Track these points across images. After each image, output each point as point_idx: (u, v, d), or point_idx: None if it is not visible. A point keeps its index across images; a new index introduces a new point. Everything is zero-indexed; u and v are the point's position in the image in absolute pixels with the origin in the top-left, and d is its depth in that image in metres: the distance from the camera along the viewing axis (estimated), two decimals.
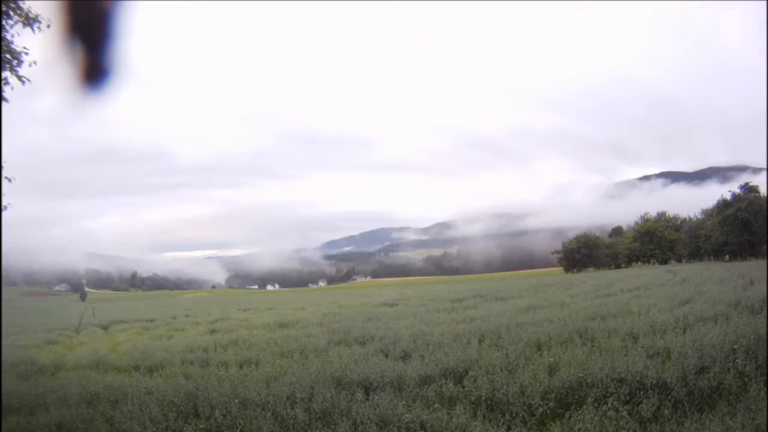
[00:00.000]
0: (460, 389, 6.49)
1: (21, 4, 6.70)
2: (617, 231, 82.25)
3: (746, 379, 5.69)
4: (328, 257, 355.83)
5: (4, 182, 7.21)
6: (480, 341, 9.51)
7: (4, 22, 6.60)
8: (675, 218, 69.02)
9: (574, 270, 69.60)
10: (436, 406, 5.88)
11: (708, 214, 63.00)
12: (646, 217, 70.33)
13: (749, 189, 54.11)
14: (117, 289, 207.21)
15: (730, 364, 6.07)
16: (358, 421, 5.51)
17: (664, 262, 59.84)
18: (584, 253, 70.83)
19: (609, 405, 5.26)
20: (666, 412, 5.15)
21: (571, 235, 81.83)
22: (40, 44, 6.56)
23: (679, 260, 60.99)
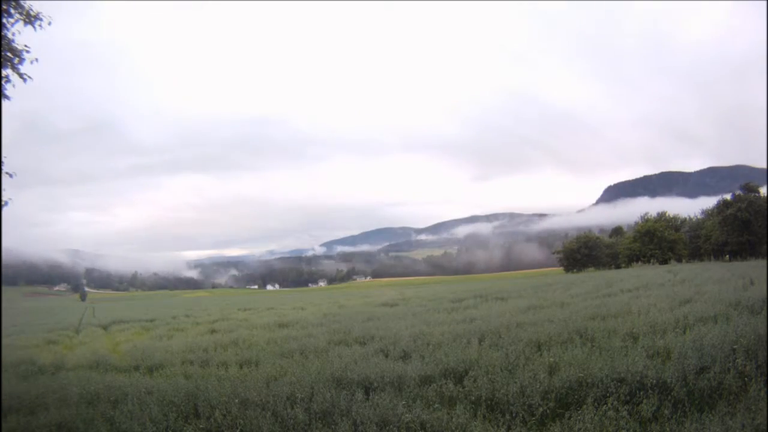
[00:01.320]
0: (460, 389, 6.48)
1: (22, 2, 6.72)
2: (617, 231, 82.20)
3: (746, 379, 5.69)
4: (328, 257, 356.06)
5: (5, 178, 7.22)
6: (480, 341, 9.50)
7: (5, 20, 6.63)
8: (675, 218, 68.93)
9: (575, 270, 69.61)
10: (436, 406, 5.88)
11: (708, 214, 62.98)
12: (646, 217, 70.30)
13: (749, 189, 54.08)
14: (117, 289, 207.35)
15: (730, 364, 6.07)
16: (358, 421, 5.51)
17: (664, 262, 59.77)
18: (584, 253, 70.86)
19: (609, 405, 5.25)
20: (666, 412, 5.15)
21: (572, 235, 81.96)
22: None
23: (679, 260, 60.91)
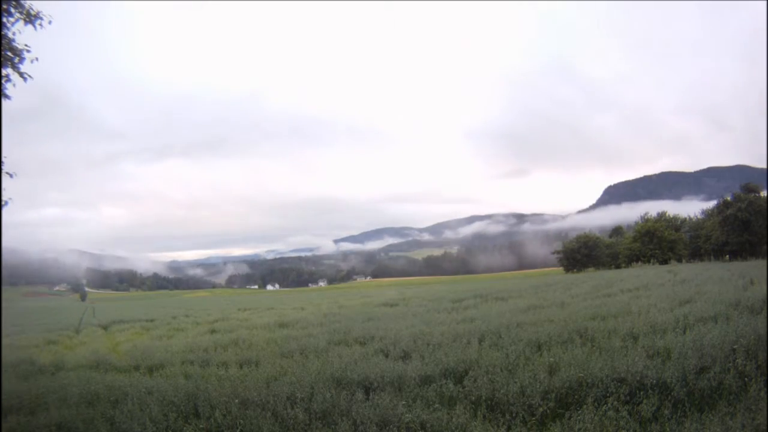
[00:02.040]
0: (460, 389, 6.48)
1: (22, 2, 6.73)
2: (617, 231, 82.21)
3: (746, 379, 5.69)
4: (329, 257, 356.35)
5: (5, 178, 7.22)
6: (480, 341, 9.50)
7: (5, 20, 6.64)
8: (675, 218, 68.96)
9: (575, 270, 69.62)
10: (436, 406, 5.87)
11: (708, 214, 63.00)
12: (646, 217, 70.33)
13: (749, 189, 54.07)
14: (117, 289, 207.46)
15: (730, 364, 6.07)
16: (358, 421, 5.51)
17: (664, 262, 59.80)
18: (584, 253, 70.86)
19: (609, 405, 5.25)
20: (666, 412, 5.15)
21: (572, 235, 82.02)
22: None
23: (679, 260, 60.92)
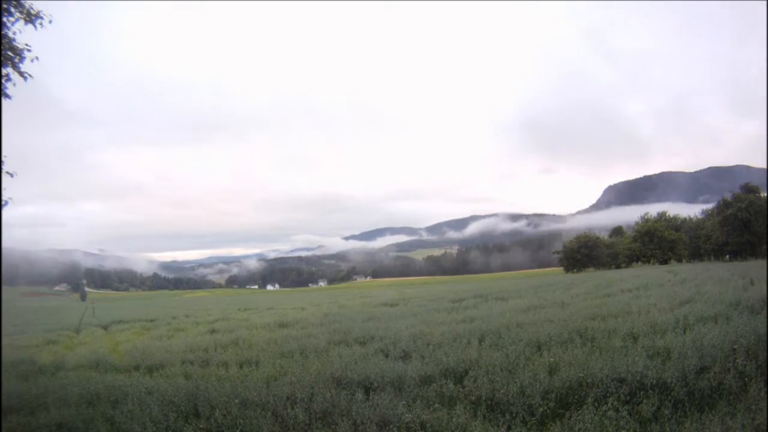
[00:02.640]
0: (460, 389, 6.49)
1: (22, 1, 6.74)
2: (617, 231, 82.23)
3: (746, 379, 5.69)
4: (329, 257, 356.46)
5: (5, 177, 7.21)
6: (480, 341, 9.50)
7: (5, 19, 6.64)
8: (675, 218, 68.95)
9: (575, 270, 69.62)
10: (436, 406, 5.88)
11: (708, 214, 63.04)
12: (646, 217, 70.32)
13: (749, 189, 54.07)
14: (117, 289, 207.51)
15: (730, 364, 6.07)
16: (358, 421, 5.51)
17: (664, 262, 59.82)
18: (584, 253, 70.85)
19: (609, 405, 5.25)
20: (666, 412, 5.15)
21: (572, 235, 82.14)
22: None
23: (679, 260, 60.93)
